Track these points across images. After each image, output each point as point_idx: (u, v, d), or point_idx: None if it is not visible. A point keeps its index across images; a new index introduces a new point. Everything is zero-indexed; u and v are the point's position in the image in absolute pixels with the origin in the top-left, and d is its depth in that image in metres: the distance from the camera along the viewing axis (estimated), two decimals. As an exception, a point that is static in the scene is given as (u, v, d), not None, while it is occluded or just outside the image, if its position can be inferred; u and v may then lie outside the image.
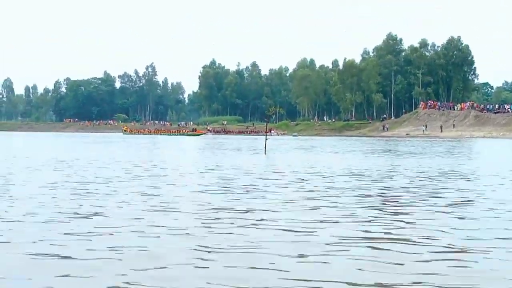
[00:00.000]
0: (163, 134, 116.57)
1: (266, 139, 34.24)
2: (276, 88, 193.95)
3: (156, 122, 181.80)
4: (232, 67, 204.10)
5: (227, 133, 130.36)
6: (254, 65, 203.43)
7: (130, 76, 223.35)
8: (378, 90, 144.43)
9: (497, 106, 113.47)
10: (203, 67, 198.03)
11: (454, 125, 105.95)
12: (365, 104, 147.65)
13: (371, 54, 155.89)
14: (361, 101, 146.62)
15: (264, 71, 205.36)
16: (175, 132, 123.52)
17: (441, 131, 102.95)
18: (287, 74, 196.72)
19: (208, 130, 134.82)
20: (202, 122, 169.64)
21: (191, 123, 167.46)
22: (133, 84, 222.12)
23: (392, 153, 35.09)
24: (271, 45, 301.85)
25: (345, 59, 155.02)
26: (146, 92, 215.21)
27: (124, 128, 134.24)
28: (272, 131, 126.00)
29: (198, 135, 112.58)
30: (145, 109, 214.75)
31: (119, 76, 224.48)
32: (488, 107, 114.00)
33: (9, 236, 7.47)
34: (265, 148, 33.96)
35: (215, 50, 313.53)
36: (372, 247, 7.02)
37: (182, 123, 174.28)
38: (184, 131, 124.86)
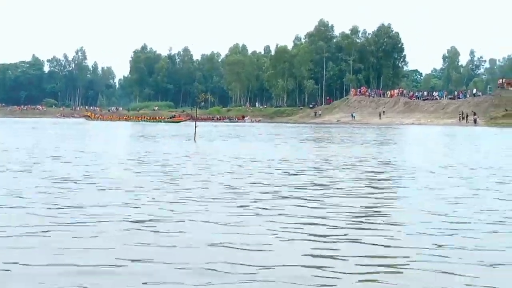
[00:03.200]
0: (134, 121, 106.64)
1: (195, 126, 33.61)
2: (208, 74, 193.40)
3: (86, 107, 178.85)
4: (163, 52, 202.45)
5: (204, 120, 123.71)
6: (186, 50, 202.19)
7: (59, 60, 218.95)
8: (310, 76, 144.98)
9: (425, 93, 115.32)
10: (134, 52, 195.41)
11: (384, 112, 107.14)
12: (297, 90, 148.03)
13: (303, 40, 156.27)
14: (293, 88, 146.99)
15: (196, 56, 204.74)
16: (149, 119, 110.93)
17: (380, 118, 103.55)
18: (219, 60, 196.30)
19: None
20: (133, 107, 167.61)
21: (121, 108, 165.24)
22: (62, 68, 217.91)
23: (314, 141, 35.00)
24: (203, 30, 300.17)
25: (277, 45, 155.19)
26: (75, 77, 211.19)
27: (88, 114, 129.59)
28: (245, 118, 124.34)
29: (178, 122, 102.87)
30: (74, 94, 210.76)
31: (48, 60, 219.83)
32: (417, 94, 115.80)
33: None
34: (194, 135, 33.50)
35: (147, 35, 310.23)
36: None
37: (113, 108, 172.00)
38: (160, 118, 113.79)
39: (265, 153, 23.19)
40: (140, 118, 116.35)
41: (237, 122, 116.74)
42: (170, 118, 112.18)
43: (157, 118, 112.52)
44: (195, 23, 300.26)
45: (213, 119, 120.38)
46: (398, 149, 28.63)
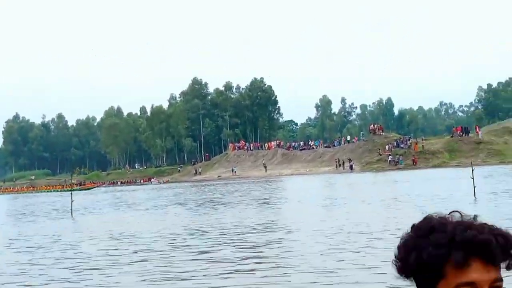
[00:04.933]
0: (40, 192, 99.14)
1: (72, 200, 31.83)
2: (84, 139, 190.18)
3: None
4: (37, 120, 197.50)
5: (113, 184, 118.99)
6: (60, 116, 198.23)
7: None
8: (188, 134, 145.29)
9: (302, 143, 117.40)
10: (6, 122, 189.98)
11: (264, 164, 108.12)
12: (175, 149, 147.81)
13: (178, 99, 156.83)
14: (171, 147, 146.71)
15: (71, 122, 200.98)
16: (59, 188, 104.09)
17: (266, 170, 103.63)
18: (95, 124, 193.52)
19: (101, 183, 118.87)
20: (8, 178, 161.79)
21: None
22: None
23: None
24: (76, 94, 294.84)
25: (152, 105, 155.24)
26: None
27: None
28: (152, 180, 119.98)
29: (89, 189, 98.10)
30: None
31: None
32: (294, 144, 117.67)
33: None
34: (71, 210, 31.90)
35: (18, 103, 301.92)
36: None
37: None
38: (69, 186, 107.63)
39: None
40: (34, 188, 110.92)
41: (143, 184, 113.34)
42: (79, 185, 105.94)
43: (63, 186, 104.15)
44: (68, 89, 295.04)
45: (116, 184, 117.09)
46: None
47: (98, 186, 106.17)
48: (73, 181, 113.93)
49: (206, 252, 14.04)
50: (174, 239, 17.05)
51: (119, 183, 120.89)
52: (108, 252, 15.07)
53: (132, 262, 12.98)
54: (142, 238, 17.69)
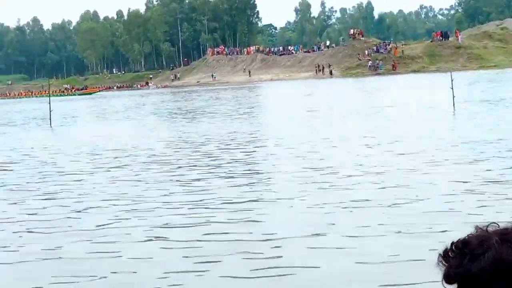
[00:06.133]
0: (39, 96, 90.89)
1: (50, 110, 30.77)
2: (61, 43, 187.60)
3: None
4: (12, 24, 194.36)
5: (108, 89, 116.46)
6: (36, 20, 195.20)
7: None
8: (166, 39, 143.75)
9: (282, 48, 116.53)
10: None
11: (245, 69, 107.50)
12: (154, 54, 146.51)
13: (155, 2, 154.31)
14: (149, 51, 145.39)
15: (47, 26, 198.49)
16: (59, 92, 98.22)
17: (249, 75, 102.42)
18: (71, 28, 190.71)
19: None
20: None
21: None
22: None
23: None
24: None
25: (129, 9, 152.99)
26: None
27: None
28: (150, 84, 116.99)
29: (90, 93, 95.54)
30: None
31: None
32: (273, 49, 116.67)
33: None
34: (50, 119, 30.61)
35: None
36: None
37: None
38: (71, 90, 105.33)
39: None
40: (29, 93, 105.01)
41: (140, 89, 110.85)
42: (81, 89, 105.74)
43: (66, 91, 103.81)
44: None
45: (111, 88, 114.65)
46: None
47: (100, 91, 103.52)
48: (71, 86, 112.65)
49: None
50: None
51: (115, 87, 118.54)
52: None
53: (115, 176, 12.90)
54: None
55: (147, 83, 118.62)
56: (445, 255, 1.50)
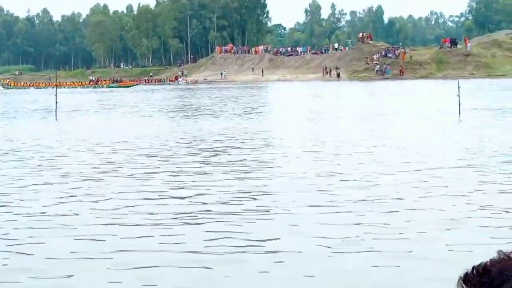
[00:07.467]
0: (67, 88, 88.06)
1: (56, 102, 30.80)
2: (70, 35, 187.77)
3: None
4: (21, 14, 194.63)
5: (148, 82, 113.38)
6: (45, 11, 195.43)
7: None
8: (174, 35, 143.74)
9: (290, 49, 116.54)
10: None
11: (253, 69, 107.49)
12: (162, 49, 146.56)
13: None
14: (157, 47, 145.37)
15: (56, 18, 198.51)
16: (87, 84, 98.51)
17: (262, 75, 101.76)
18: (81, 20, 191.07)
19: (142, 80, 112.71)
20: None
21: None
22: None
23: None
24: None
25: (139, 4, 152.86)
26: None
27: (6, 82, 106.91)
28: (179, 79, 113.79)
29: (128, 86, 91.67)
30: None
31: None
32: (281, 50, 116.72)
33: None
34: (55, 110, 30.58)
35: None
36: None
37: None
38: (101, 82, 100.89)
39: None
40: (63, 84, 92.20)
41: (170, 84, 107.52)
42: (115, 82, 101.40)
43: (99, 83, 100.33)
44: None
45: (140, 82, 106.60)
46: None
47: (137, 84, 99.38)
48: (105, 79, 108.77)
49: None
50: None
51: (143, 81, 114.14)
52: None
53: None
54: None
55: (176, 78, 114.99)
56: (465, 279, 1.50)
